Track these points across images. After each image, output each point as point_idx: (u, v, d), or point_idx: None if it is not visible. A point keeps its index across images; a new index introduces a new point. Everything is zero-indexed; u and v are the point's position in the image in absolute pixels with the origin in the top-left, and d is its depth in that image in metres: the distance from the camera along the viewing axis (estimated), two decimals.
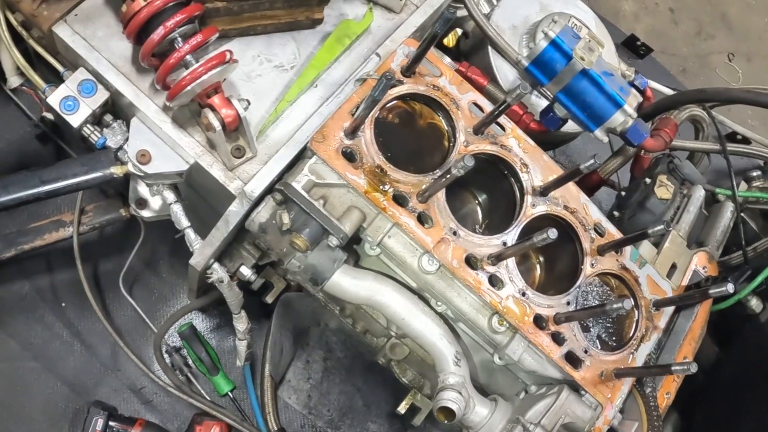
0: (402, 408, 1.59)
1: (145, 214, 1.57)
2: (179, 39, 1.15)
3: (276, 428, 1.69)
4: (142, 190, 1.50)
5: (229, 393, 1.78)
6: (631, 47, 2.41)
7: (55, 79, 1.38)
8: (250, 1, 1.20)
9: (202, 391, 1.78)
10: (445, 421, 1.26)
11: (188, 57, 1.14)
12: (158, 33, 1.11)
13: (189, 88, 1.12)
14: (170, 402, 1.81)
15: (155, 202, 1.51)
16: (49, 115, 1.47)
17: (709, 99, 1.54)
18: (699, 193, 1.53)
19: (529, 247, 1.18)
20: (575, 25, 1.56)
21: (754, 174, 1.70)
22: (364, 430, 1.91)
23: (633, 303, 1.33)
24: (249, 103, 1.18)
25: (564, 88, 1.46)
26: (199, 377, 1.80)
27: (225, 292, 1.37)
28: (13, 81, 1.49)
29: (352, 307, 1.55)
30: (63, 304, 1.81)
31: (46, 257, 1.80)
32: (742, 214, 1.57)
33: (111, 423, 1.70)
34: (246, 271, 1.38)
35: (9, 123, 1.81)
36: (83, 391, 1.78)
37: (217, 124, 1.14)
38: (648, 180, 1.60)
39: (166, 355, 1.76)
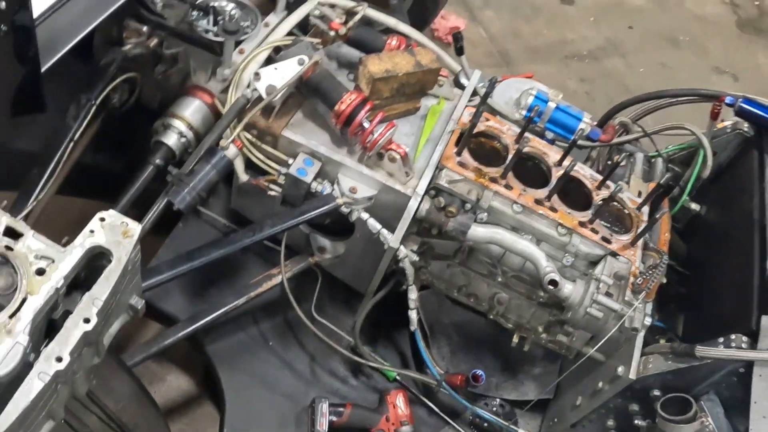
0: (516, 338, 2.69)
1: (326, 256, 2.72)
2: (366, 119, 2.39)
3: (443, 371, 2.70)
4: (321, 241, 2.67)
5: (396, 377, 2.79)
6: None
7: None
8: (390, 99, 2.50)
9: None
10: (553, 288, 2.38)
11: (374, 128, 2.39)
12: (359, 118, 2.36)
13: (380, 142, 2.35)
14: (358, 394, 2.77)
15: (331, 249, 2.67)
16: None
17: (627, 105, 2.94)
18: (640, 154, 2.85)
19: (564, 178, 2.42)
20: (539, 89, 2.93)
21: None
22: (489, 383, 2.93)
23: (628, 196, 2.57)
24: (408, 148, 2.42)
25: (548, 120, 2.82)
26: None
27: (407, 266, 2.48)
28: (243, 177, 2.52)
29: (465, 282, 2.69)
30: (270, 343, 2.78)
31: (251, 314, 2.83)
32: (669, 164, 2.90)
33: (330, 408, 2.67)
34: (412, 255, 2.52)
35: (202, 230, 2.89)
36: (298, 400, 2.66)
37: (398, 157, 2.37)
38: (609, 162, 2.92)
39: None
